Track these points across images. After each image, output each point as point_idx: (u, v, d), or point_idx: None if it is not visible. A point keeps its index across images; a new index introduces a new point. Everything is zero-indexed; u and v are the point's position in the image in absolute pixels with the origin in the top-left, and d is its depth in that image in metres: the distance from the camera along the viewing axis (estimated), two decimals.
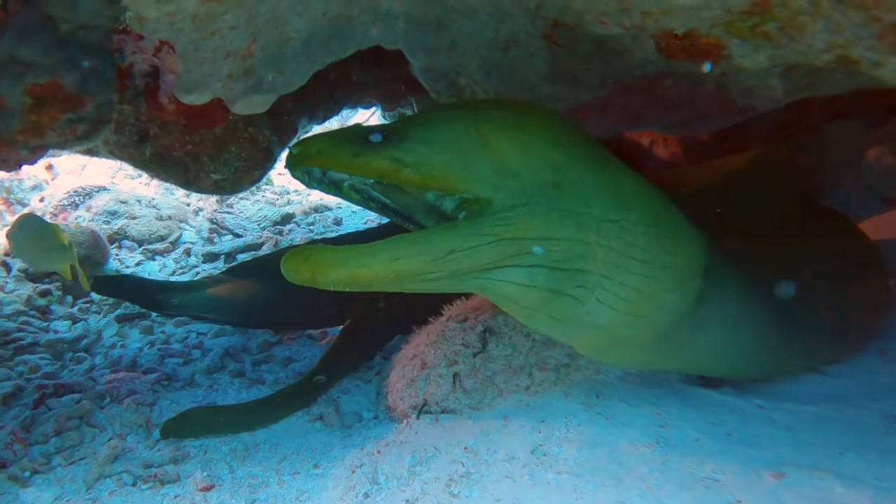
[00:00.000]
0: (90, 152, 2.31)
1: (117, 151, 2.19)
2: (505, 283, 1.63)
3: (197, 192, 2.44)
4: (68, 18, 1.63)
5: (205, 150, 2.22)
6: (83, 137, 1.83)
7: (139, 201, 4.84)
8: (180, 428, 2.41)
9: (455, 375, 2.30)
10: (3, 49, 1.58)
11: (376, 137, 1.56)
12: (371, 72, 2.68)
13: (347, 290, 1.53)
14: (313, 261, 1.48)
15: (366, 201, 1.68)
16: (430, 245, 1.50)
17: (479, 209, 1.56)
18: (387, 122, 4.61)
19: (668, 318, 1.83)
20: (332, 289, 1.52)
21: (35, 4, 1.59)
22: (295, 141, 2.56)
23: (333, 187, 1.64)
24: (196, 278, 4.03)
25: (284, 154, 2.64)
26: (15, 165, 1.82)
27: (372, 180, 1.61)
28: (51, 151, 2.09)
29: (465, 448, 2.07)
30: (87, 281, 3.07)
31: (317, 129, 2.94)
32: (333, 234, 4.71)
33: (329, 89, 2.62)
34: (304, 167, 1.60)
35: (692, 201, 2.19)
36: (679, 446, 1.99)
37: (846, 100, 2.16)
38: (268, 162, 2.39)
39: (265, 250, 4.45)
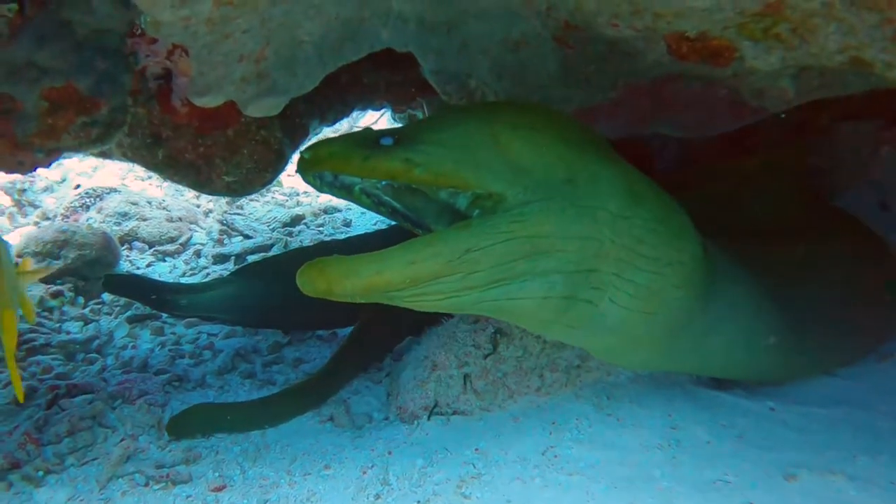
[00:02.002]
0: (103, 155, 2.33)
1: (130, 154, 2.21)
2: (523, 300, 1.61)
3: (209, 194, 2.44)
4: (84, 23, 1.65)
5: (217, 152, 2.22)
6: (97, 140, 1.85)
7: (150, 203, 4.87)
8: (185, 424, 2.42)
9: (466, 377, 2.31)
10: (20, 53, 1.60)
11: (387, 141, 1.57)
12: (382, 74, 2.69)
13: (364, 300, 1.51)
14: (328, 272, 1.46)
15: (376, 206, 1.68)
16: (445, 245, 1.47)
17: (492, 206, 1.54)
18: (397, 123, 4.62)
19: (677, 314, 1.83)
20: (349, 300, 1.50)
21: (52, 9, 1.61)
22: (306, 143, 2.57)
23: (344, 191, 1.64)
24: (206, 279, 4.06)
25: (296, 156, 2.66)
26: (30, 168, 1.84)
27: (383, 183, 1.61)
28: (64, 153, 2.11)
29: (477, 449, 2.07)
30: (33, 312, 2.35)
31: (327, 131, 2.95)
32: (343, 236, 4.72)
33: (340, 91, 2.62)
34: (316, 171, 1.60)
35: (702, 203, 2.19)
36: (690, 448, 1.99)
37: (857, 101, 2.16)
38: (279, 164, 2.40)
39: (275, 251, 4.46)
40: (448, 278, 1.50)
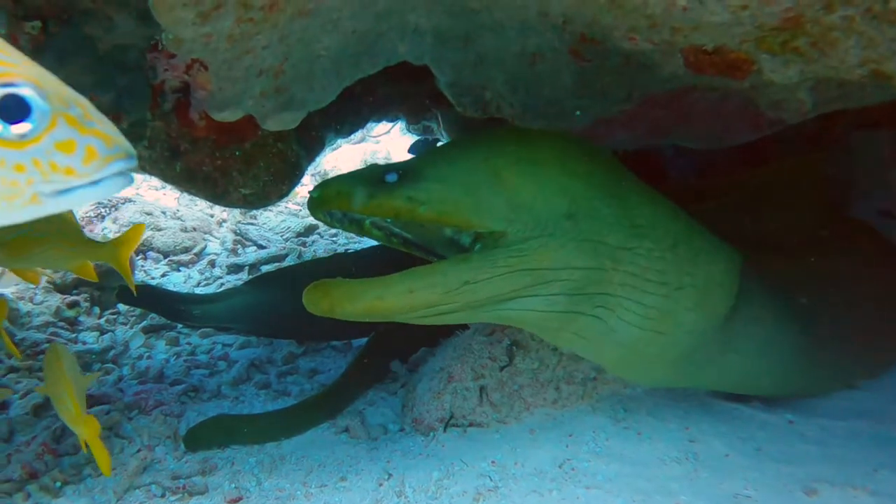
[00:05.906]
0: None
1: (148, 167, 2.22)
2: (525, 311, 1.65)
3: (226, 206, 2.46)
4: (106, 38, 1.67)
5: (234, 165, 2.24)
6: None
7: (164, 213, 4.90)
8: (202, 436, 2.43)
9: (482, 389, 2.30)
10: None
11: (392, 177, 1.62)
12: (397, 86, 2.70)
13: (366, 320, 1.59)
14: (332, 294, 1.54)
15: (387, 237, 1.75)
16: (443, 277, 1.54)
17: (493, 242, 1.59)
18: (411, 133, 4.64)
19: (692, 335, 1.83)
20: (352, 319, 1.58)
21: (74, 25, 1.63)
22: (322, 155, 2.58)
23: (355, 226, 1.72)
24: (220, 289, 4.07)
25: (311, 168, 2.67)
26: None
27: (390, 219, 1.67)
28: None
29: (493, 462, 2.07)
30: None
31: (343, 143, 2.97)
32: (356, 247, 4.72)
33: (355, 104, 2.63)
34: (325, 210, 1.68)
35: (718, 215, 2.18)
36: (708, 461, 1.98)
37: (873, 110, 2.15)
38: (295, 176, 2.41)
39: (289, 261, 4.47)
40: (445, 305, 1.57)
